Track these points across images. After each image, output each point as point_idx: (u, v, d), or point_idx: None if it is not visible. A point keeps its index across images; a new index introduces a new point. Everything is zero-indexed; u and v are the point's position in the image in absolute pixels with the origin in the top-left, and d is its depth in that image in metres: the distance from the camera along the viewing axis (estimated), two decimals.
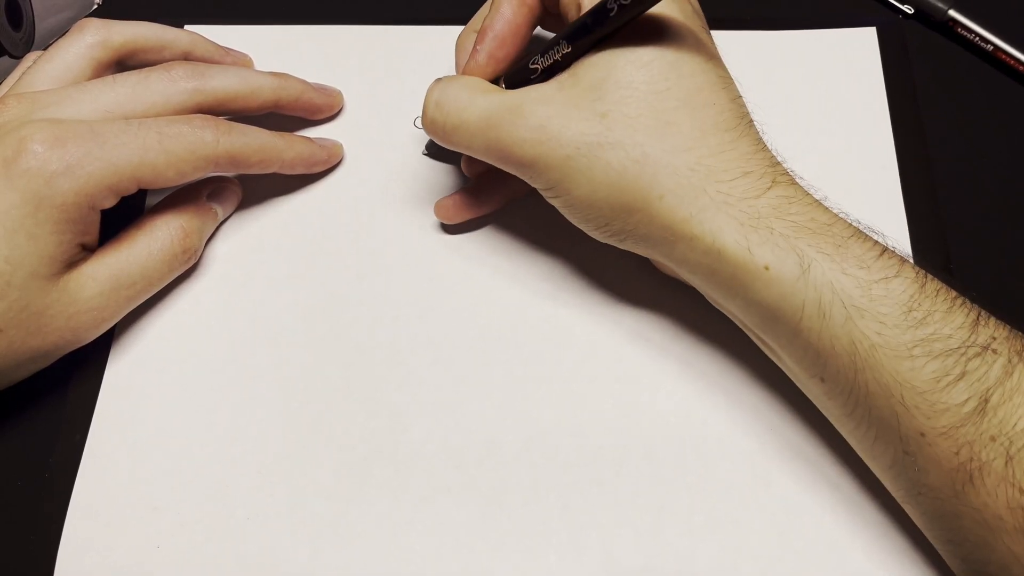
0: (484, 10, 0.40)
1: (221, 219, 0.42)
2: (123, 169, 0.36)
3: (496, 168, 0.38)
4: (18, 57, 0.45)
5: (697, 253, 0.34)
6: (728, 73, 0.36)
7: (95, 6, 0.48)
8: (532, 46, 0.38)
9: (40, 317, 0.36)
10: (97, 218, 0.37)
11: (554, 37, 0.35)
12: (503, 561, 0.35)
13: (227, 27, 0.47)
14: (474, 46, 0.38)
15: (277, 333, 0.40)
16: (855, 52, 0.46)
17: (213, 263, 0.41)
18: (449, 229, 0.42)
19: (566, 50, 0.35)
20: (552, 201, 0.37)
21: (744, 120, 0.35)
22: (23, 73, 0.40)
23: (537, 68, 0.36)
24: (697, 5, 0.37)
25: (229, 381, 0.39)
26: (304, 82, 0.44)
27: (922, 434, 0.30)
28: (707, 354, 0.39)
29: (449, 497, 0.36)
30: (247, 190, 0.43)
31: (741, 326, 0.37)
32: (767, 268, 0.32)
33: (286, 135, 0.42)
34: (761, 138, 0.35)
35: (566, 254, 0.41)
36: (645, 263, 0.41)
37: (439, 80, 0.37)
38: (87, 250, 0.37)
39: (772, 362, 0.38)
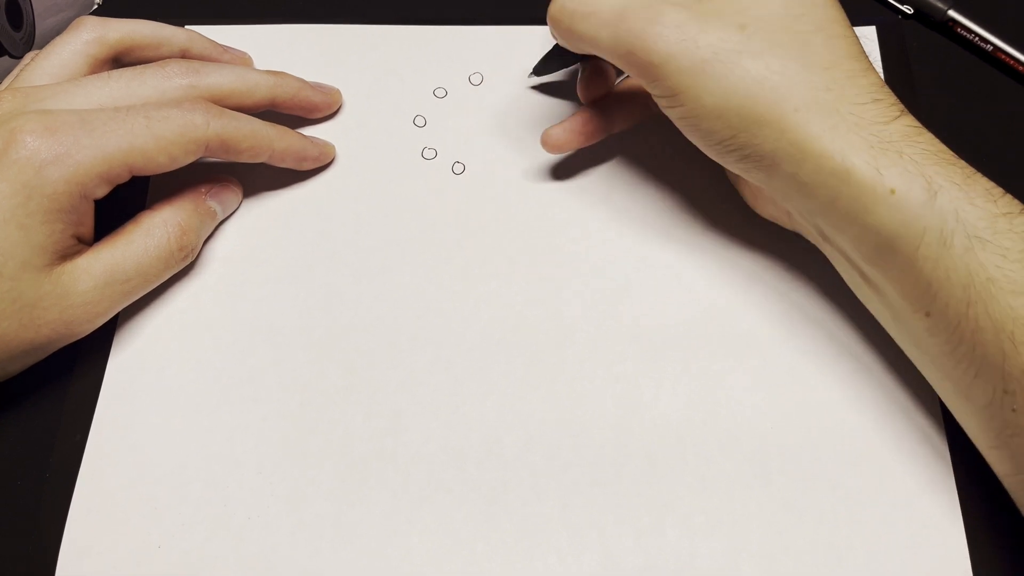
0: None
1: (220, 219, 0.42)
2: (113, 155, 0.36)
3: (612, 93, 0.37)
4: (18, 57, 0.46)
5: (824, 173, 0.33)
6: (846, 16, 0.36)
7: (95, 6, 0.49)
8: None
9: (33, 309, 0.36)
10: (90, 208, 0.37)
11: None
12: (503, 561, 0.35)
13: (227, 27, 0.47)
14: None
15: (277, 333, 0.40)
16: None
17: (213, 263, 0.41)
18: (450, 228, 0.42)
19: None
20: (673, 111, 0.36)
21: (867, 56, 0.35)
22: (20, 70, 0.40)
23: None
24: None
25: (229, 381, 0.39)
26: (302, 80, 0.44)
27: None
28: (708, 353, 0.39)
29: (449, 497, 0.36)
30: (247, 190, 0.43)
31: (841, 266, 0.37)
32: (893, 192, 0.32)
33: (278, 126, 0.42)
34: (881, 77, 0.35)
35: (566, 254, 0.41)
36: (646, 261, 0.41)
37: None
38: (82, 242, 0.37)
39: (773, 363, 0.38)
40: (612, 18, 0.35)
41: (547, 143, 0.42)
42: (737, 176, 0.40)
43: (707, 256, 0.41)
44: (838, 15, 0.35)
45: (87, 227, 0.37)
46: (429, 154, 0.44)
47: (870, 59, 0.35)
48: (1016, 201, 0.32)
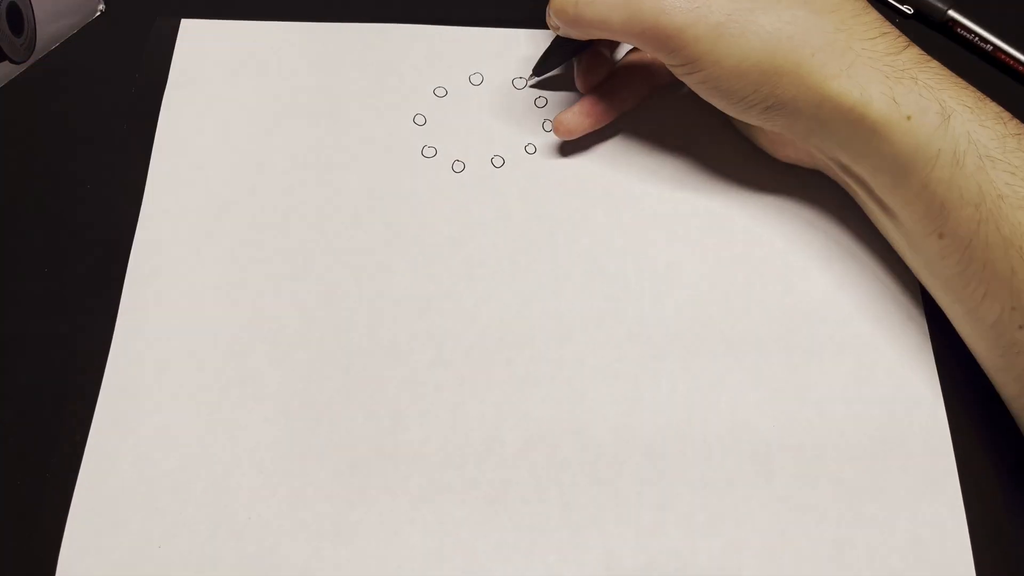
0: None
1: None
2: None
3: (613, 74, 0.38)
4: (19, 63, 0.46)
5: (843, 110, 0.35)
6: None
7: (98, 13, 0.49)
8: None
9: None
10: None
11: None
12: (504, 561, 0.35)
13: (225, 22, 0.47)
14: None
15: (277, 332, 0.40)
16: None
17: (213, 263, 0.41)
18: (449, 227, 0.42)
19: None
20: (692, 77, 0.37)
21: None
22: None
23: None
24: None
25: (229, 381, 0.39)
26: None
27: None
28: (708, 352, 0.39)
29: (450, 497, 0.36)
30: (248, 189, 0.43)
31: (859, 195, 0.38)
32: (909, 118, 0.33)
33: None
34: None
35: (566, 253, 0.41)
36: (646, 259, 0.41)
37: None
38: None
39: (773, 361, 0.38)
40: None
41: (560, 128, 0.42)
42: (751, 126, 0.41)
43: (707, 256, 0.41)
44: None
45: None
46: (429, 152, 0.44)
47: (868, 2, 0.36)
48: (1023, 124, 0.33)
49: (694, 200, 0.42)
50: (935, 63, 0.35)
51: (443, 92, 0.46)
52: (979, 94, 0.34)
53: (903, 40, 0.35)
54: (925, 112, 0.33)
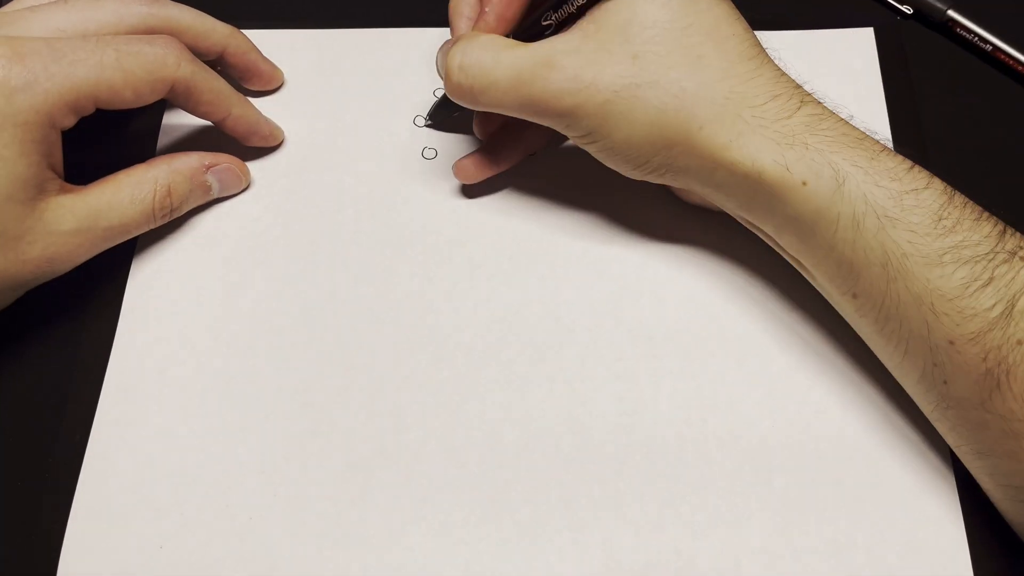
0: None
1: (216, 195, 0.42)
2: (81, 86, 0.36)
3: (510, 125, 0.38)
4: None
5: (737, 177, 0.35)
6: (734, 6, 0.37)
7: None
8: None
9: (18, 243, 0.36)
10: (58, 138, 0.37)
11: None
12: (504, 560, 0.35)
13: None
14: (482, 8, 0.38)
15: (278, 333, 0.40)
16: (852, 53, 0.46)
17: (213, 264, 0.42)
18: (449, 229, 0.42)
19: (581, 1, 0.36)
20: (588, 148, 0.37)
21: (761, 50, 0.36)
22: None
23: (551, 23, 0.37)
24: None
25: (230, 382, 0.39)
26: (253, 43, 0.44)
27: (951, 342, 0.31)
28: (708, 351, 0.39)
29: (450, 496, 0.37)
30: (247, 192, 0.43)
31: (774, 246, 0.38)
32: (804, 184, 0.33)
33: (241, 95, 0.42)
34: (778, 66, 0.36)
35: (566, 253, 0.41)
36: (642, 263, 0.41)
37: (455, 43, 0.37)
38: (56, 174, 0.37)
39: (773, 360, 0.39)
40: (512, 85, 0.36)
41: (459, 174, 0.42)
42: None
43: (707, 255, 0.41)
44: (725, 12, 0.36)
45: (58, 158, 0.37)
46: (429, 154, 0.44)
47: (764, 49, 0.36)
48: (923, 173, 0.33)
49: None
50: (829, 121, 0.34)
51: (443, 93, 0.46)
52: (874, 149, 0.34)
53: (796, 100, 0.35)
54: (819, 177, 0.33)
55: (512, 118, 0.38)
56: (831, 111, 0.35)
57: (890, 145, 0.43)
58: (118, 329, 0.40)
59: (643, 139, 0.35)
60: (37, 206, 0.36)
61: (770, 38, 0.46)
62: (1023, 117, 0.45)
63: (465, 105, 0.38)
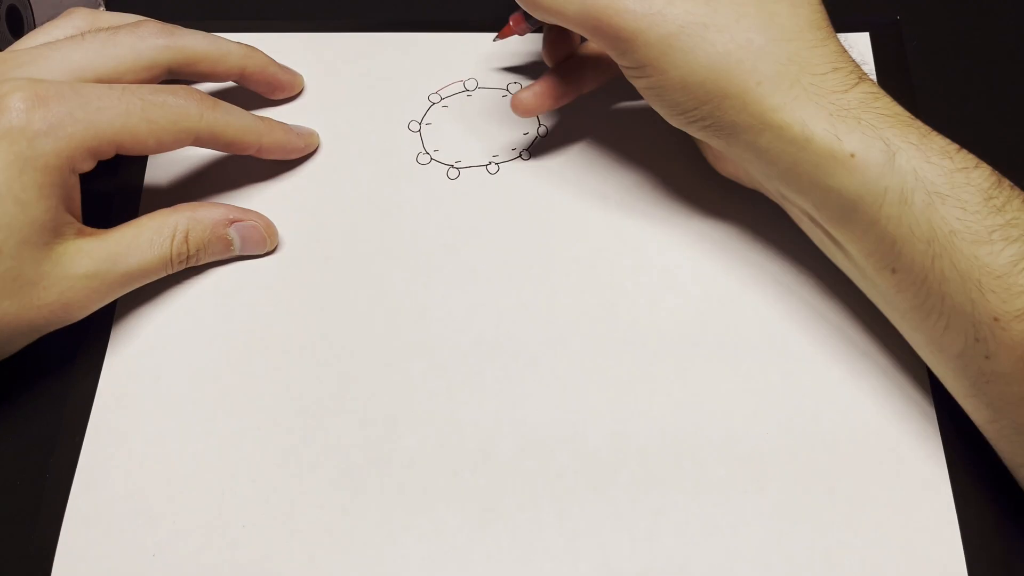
0: None
1: (237, 252, 0.41)
2: (104, 132, 0.36)
3: (577, 55, 0.38)
4: None
5: (784, 142, 0.34)
6: None
7: None
8: None
9: (33, 288, 0.35)
10: (77, 182, 0.37)
11: None
12: (498, 568, 0.35)
13: (224, 36, 0.47)
14: None
15: (271, 340, 0.40)
16: None
17: (208, 271, 0.42)
18: (444, 235, 0.42)
19: None
20: (639, 82, 0.37)
21: (829, 24, 0.36)
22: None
23: None
24: None
25: (224, 388, 0.39)
26: (270, 57, 0.44)
27: (996, 319, 0.31)
28: (702, 359, 0.39)
29: (444, 504, 0.37)
30: (244, 191, 0.43)
31: (806, 225, 0.37)
32: (853, 156, 0.33)
33: (266, 119, 0.42)
34: (842, 43, 0.36)
35: (560, 258, 0.41)
36: (640, 266, 0.41)
37: None
38: (74, 217, 0.37)
39: (766, 366, 0.38)
40: None
41: (517, 107, 0.42)
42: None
43: (702, 263, 0.41)
44: None
45: (76, 202, 0.37)
46: (424, 159, 0.44)
47: (833, 29, 0.36)
48: (971, 155, 0.33)
49: (688, 205, 0.42)
50: (883, 100, 0.34)
51: (437, 98, 0.46)
52: (924, 129, 0.34)
53: (855, 75, 0.35)
54: (869, 149, 0.33)
55: (580, 50, 0.37)
56: (885, 93, 0.35)
57: None
58: (112, 337, 0.40)
59: (698, 83, 0.35)
60: (54, 250, 0.36)
61: None
62: (1022, 118, 0.45)
63: (528, 5, 0.37)
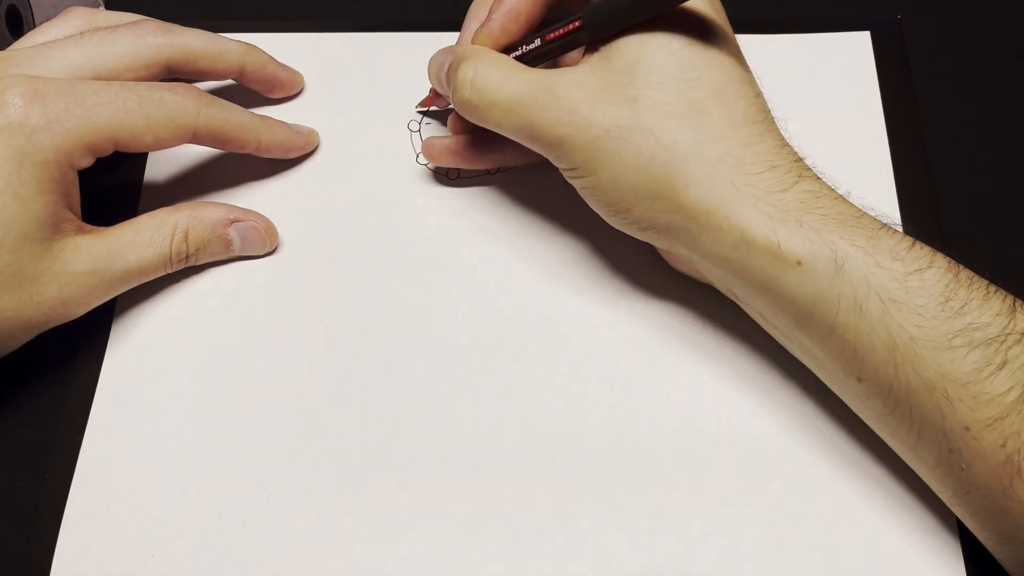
0: None
1: (236, 253, 0.41)
2: (102, 128, 0.36)
3: (485, 134, 0.38)
4: None
5: (725, 246, 0.33)
6: (749, 69, 0.36)
7: None
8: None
9: (33, 284, 0.36)
10: (76, 178, 0.37)
11: (574, 16, 0.36)
12: (498, 568, 0.35)
13: (223, 36, 0.47)
14: (488, 14, 0.38)
15: (271, 340, 0.40)
16: (849, 56, 0.46)
17: (209, 271, 0.42)
18: (444, 235, 0.42)
19: (581, 32, 0.36)
20: (574, 182, 0.37)
21: (768, 116, 0.35)
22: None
23: (549, 44, 0.37)
24: (719, 2, 0.37)
25: (223, 389, 0.39)
26: (269, 55, 0.44)
27: (967, 428, 0.30)
28: (702, 358, 0.39)
29: (444, 504, 0.36)
30: (241, 191, 0.43)
31: (765, 326, 0.36)
32: (799, 263, 0.32)
33: (265, 118, 0.42)
34: (782, 136, 0.35)
35: (560, 262, 0.41)
36: (639, 269, 0.41)
37: (467, 58, 0.37)
38: (74, 214, 0.37)
39: (767, 365, 0.38)
40: (512, 106, 0.36)
41: (426, 151, 0.42)
42: None
43: None
44: (737, 73, 0.35)
45: (75, 198, 0.37)
46: (423, 159, 0.44)
47: (772, 117, 0.35)
48: (925, 250, 0.32)
49: None
50: (826, 199, 0.33)
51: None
52: (873, 227, 0.32)
53: (793, 174, 0.33)
54: (816, 256, 0.31)
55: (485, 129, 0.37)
56: (829, 187, 0.34)
57: (887, 146, 0.43)
58: (111, 336, 0.40)
59: (628, 185, 0.34)
60: (54, 246, 0.36)
61: (766, 42, 0.46)
62: (1023, 118, 0.45)
63: (468, 116, 0.38)
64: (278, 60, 0.45)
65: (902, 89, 0.45)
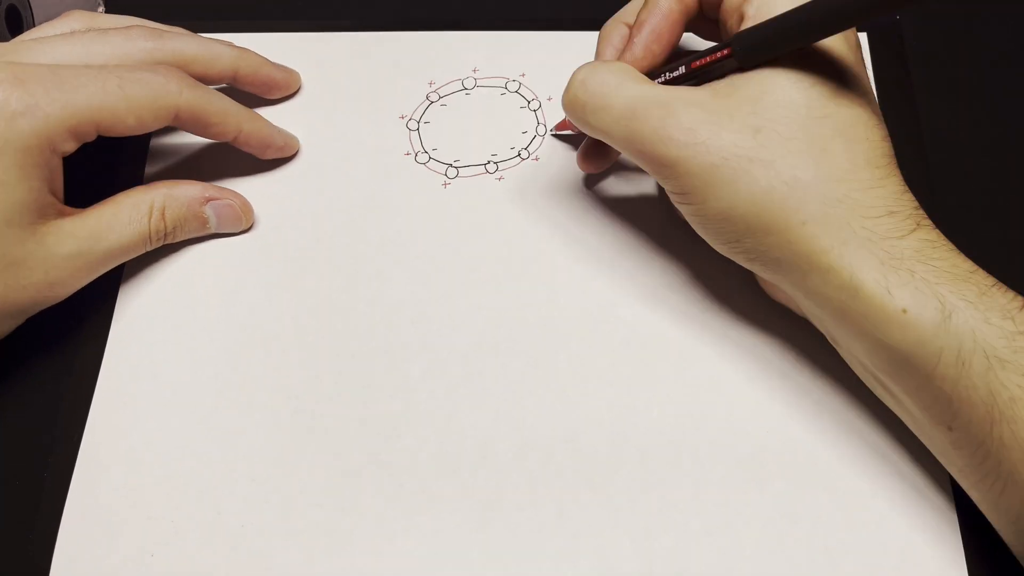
0: (635, 4, 0.39)
1: (213, 230, 0.42)
2: (82, 110, 0.36)
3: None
4: None
5: (831, 287, 0.32)
6: (879, 111, 0.35)
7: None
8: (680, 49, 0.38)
9: (19, 269, 0.36)
10: (59, 164, 0.37)
11: (716, 45, 0.35)
12: (498, 568, 0.35)
13: (222, 36, 0.47)
14: (630, 37, 0.37)
15: (270, 340, 0.40)
16: None
17: (206, 269, 0.42)
18: (444, 235, 0.42)
19: (729, 60, 0.34)
20: (682, 207, 0.36)
21: (892, 160, 0.34)
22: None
23: (694, 72, 0.36)
24: (858, 41, 0.36)
25: (222, 388, 0.39)
26: (264, 57, 0.44)
27: None
28: (701, 358, 0.39)
29: (443, 504, 0.36)
30: (241, 191, 0.43)
31: (853, 364, 0.36)
32: (905, 311, 0.31)
33: (249, 110, 0.42)
34: (903, 183, 0.34)
35: (559, 259, 0.41)
36: (638, 268, 0.41)
37: (588, 63, 0.37)
38: (57, 199, 0.37)
39: (766, 366, 0.38)
40: (624, 114, 0.35)
41: (580, 163, 0.42)
42: None
43: (702, 260, 0.41)
44: (862, 115, 0.34)
45: (58, 183, 0.37)
46: (422, 158, 0.44)
47: (896, 162, 0.34)
48: None
49: None
50: (941, 250, 0.32)
51: (436, 97, 0.46)
52: (985, 283, 0.31)
53: (912, 220, 0.32)
54: (923, 308, 0.31)
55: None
56: (945, 240, 0.33)
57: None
58: (110, 336, 0.40)
59: (740, 217, 0.33)
60: (38, 230, 0.36)
61: None
62: (1022, 119, 0.45)
63: (576, 123, 0.37)
64: (273, 61, 0.45)
65: (900, 90, 0.45)
